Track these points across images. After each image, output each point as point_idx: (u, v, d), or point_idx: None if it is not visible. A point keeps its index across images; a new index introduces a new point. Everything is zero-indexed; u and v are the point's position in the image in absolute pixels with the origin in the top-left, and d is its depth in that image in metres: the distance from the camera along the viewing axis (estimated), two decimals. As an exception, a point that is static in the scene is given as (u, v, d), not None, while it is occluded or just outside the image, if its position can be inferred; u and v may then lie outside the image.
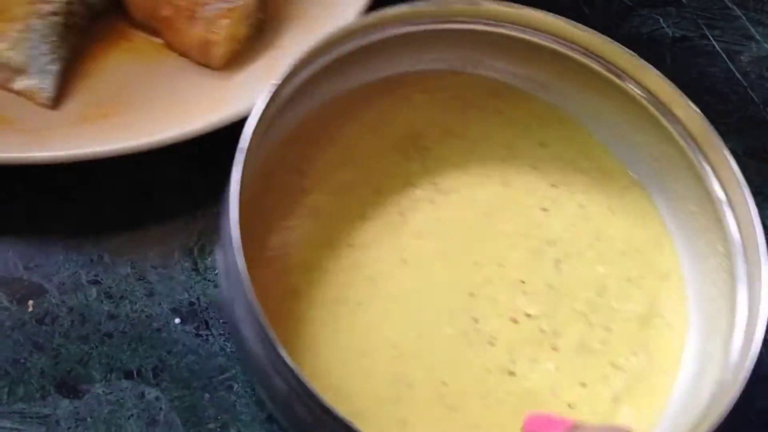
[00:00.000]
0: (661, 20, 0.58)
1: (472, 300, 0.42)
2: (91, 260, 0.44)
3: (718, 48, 0.58)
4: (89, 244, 0.44)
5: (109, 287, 0.43)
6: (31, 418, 0.39)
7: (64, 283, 0.43)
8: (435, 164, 0.45)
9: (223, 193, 0.37)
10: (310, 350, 0.39)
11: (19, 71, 0.46)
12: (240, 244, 0.35)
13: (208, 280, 0.44)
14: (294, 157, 0.44)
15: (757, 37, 0.59)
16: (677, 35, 0.58)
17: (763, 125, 0.55)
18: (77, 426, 0.39)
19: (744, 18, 0.59)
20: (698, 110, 0.43)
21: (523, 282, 0.42)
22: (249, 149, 0.38)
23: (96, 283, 0.43)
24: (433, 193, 0.44)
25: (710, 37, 0.58)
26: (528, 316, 0.42)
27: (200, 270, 0.44)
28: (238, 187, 0.37)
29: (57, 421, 0.39)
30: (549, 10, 0.45)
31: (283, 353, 0.34)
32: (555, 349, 0.41)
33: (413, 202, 0.44)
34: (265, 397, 0.38)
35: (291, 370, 0.34)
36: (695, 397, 0.39)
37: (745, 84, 0.56)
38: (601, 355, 0.41)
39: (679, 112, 0.43)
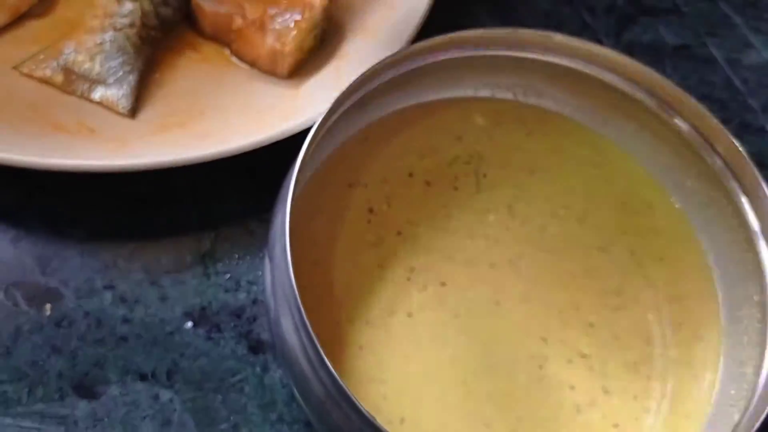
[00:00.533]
0: (661, 28, 0.59)
1: (544, 345, 0.42)
2: (106, 266, 0.45)
3: (717, 56, 0.59)
4: (104, 251, 0.46)
5: (123, 292, 0.45)
6: (50, 418, 0.41)
7: (80, 288, 0.44)
8: (497, 188, 0.46)
9: (275, 204, 0.39)
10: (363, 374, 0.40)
11: (97, 82, 0.48)
12: (290, 258, 0.36)
13: (219, 285, 0.45)
14: (348, 171, 0.44)
15: (756, 45, 0.60)
16: (677, 43, 0.59)
17: (762, 132, 0.56)
18: (95, 426, 0.41)
19: (743, 26, 0.60)
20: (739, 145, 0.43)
21: (592, 325, 0.43)
22: (304, 160, 0.39)
23: (111, 288, 0.45)
24: (508, 219, 0.45)
25: (710, 45, 0.59)
26: (583, 356, 0.43)
27: (211, 275, 0.46)
28: (291, 197, 0.37)
29: (75, 422, 0.41)
30: (550, 20, 0.46)
31: (343, 385, 0.35)
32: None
33: (486, 227, 0.45)
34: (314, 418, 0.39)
35: (349, 400, 0.35)
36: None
37: (744, 91, 0.58)
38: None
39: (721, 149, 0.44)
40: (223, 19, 0.50)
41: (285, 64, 0.50)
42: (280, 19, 0.49)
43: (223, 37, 0.51)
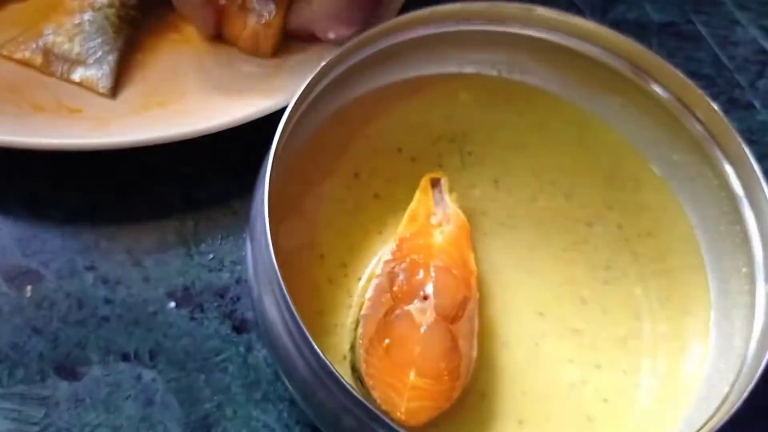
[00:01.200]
0: (647, 6, 0.59)
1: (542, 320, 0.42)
2: (87, 246, 0.45)
3: (704, 33, 0.59)
4: (85, 231, 0.45)
5: (105, 273, 0.44)
6: (31, 399, 0.40)
7: (61, 269, 0.44)
8: (482, 165, 0.46)
9: (255, 184, 0.39)
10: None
11: (77, 62, 0.47)
12: (269, 237, 0.36)
13: (203, 265, 0.45)
14: (332, 147, 0.44)
15: (743, 22, 0.59)
16: (664, 21, 0.59)
17: (750, 108, 0.56)
18: (76, 407, 0.40)
19: (729, 3, 0.60)
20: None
21: (585, 301, 0.43)
22: (281, 139, 0.39)
23: (92, 269, 0.44)
24: (494, 192, 0.45)
25: (696, 22, 0.59)
26: (576, 331, 0.42)
27: (194, 255, 0.45)
28: (269, 175, 0.37)
29: (56, 403, 0.40)
30: (536, 1, 0.45)
31: (329, 363, 0.34)
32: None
33: (472, 200, 0.45)
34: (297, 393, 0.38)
35: (334, 378, 0.34)
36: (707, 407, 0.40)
37: (731, 68, 0.57)
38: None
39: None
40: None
41: (267, 45, 0.49)
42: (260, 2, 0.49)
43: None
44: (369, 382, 0.37)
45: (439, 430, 0.39)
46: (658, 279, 0.44)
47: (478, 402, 0.40)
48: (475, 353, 0.39)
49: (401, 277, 0.39)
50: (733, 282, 0.42)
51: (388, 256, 0.40)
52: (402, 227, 0.41)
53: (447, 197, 0.43)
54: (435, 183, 0.43)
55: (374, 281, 0.39)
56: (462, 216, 0.42)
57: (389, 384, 0.37)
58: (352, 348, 0.39)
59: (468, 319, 0.39)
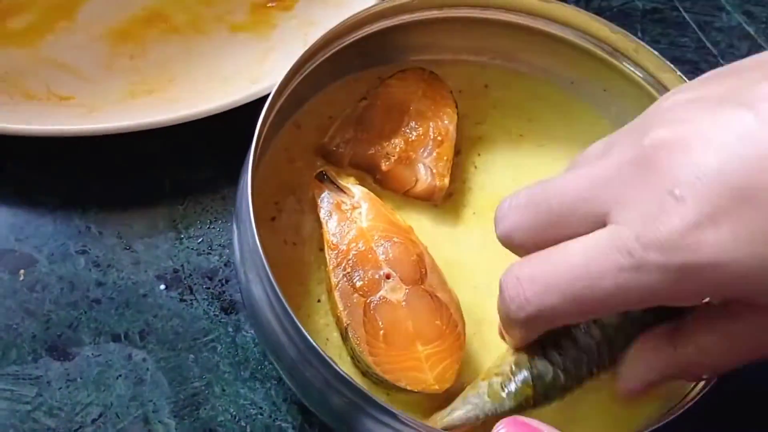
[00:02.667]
0: (632, -8, 0.60)
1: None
2: (79, 231, 0.46)
3: (688, 19, 0.59)
4: (77, 216, 0.46)
5: (96, 256, 0.45)
6: (23, 379, 0.41)
7: (53, 254, 0.45)
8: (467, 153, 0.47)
9: (241, 171, 0.39)
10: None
11: None
12: (254, 221, 0.37)
13: (192, 249, 0.46)
14: (319, 130, 0.45)
15: (728, 8, 0.60)
16: (648, 7, 0.59)
17: (733, 92, 0.56)
18: (68, 386, 0.41)
19: (714, -11, 0.61)
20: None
21: None
22: (264, 123, 0.40)
23: (84, 252, 0.45)
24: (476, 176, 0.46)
25: (681, 8, 0.60)
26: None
27: (183, 239, 0.46)
28: (253, 159, 0.39)
29: (48, 382, 0.41)
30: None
31: (316, 346, 0.35)
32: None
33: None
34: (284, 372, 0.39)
35: (321, 359, 0.35)
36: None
37: (716, 53, 0.58)
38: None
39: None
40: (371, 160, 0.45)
41: (441, 194, 0.45)
42: (424, 152, 0.45)
43: (367, 171, 0.45)
44: (391, 378, 0.38)
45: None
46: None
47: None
48: (455, 294, 0.40)
49: (356, 273, 0.40)
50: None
51: (334, 263, 0.40)
52: (326, 234, 0.41)
53: (341, 182, 0.43)
54: (322, 178, 0.43)
55: (336, 293, 0.39)
56: (365, 189, 0.43)
57: (408, 368, 0.38)
58: (353, 357, 0.40)
59: (432, 270, 0.40)
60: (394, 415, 0.34)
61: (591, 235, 0.31)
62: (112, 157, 0.48)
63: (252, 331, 0.44)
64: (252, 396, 0.42)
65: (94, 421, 0.40)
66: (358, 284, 0.40)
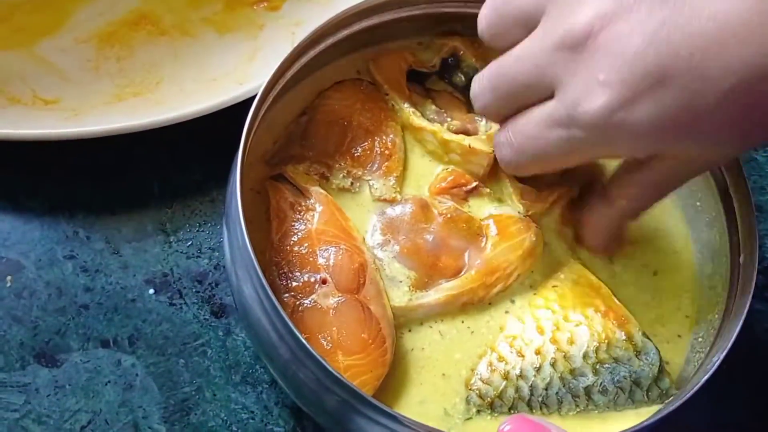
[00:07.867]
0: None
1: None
2: (67, 236, 0.45)
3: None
4: (64, 221, 0.46)
5: (84, 261, 0.45)
6: (11, 387, 0.41)
7: (40, 259, 0.44)
8: None
9: (230, 172, 0.39)
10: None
11: None
12: (244, 223, 0.37)
13: (181, 252, 0.45)
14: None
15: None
16: None
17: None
18: (56, 393, 0.41)
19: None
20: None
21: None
22: (252, 127, 0.39)
23: (72, 258, 0.45)
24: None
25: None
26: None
27: (173, 243, 0.46)
28: (241, 164, 0.38)
29: (36, 389, 0.41)
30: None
31: (310, 348, 0.35)
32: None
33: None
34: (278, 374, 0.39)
35: (315, 361, 0.35)
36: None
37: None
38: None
39: None
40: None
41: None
42: (372, 166, 0.44)
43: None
44: None
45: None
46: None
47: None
48: (389, 311, 0.40)
49: (294, 273, 0.39)
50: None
51: (272, 262, 0.40)
52: (273, 233, 0.41)
53: (300, 183, 0.42)
54: (279, 178, 0.42)
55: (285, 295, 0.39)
56: (323, 192, 0.42)
57: None
58: None
59: (371, 282, 0.40)
60: (387, 414, 0.34)
61: (542, 107, 0.38)
62: (98, 160, 0.47)
63: (243, 335, 0.43)
64: (243, 400, 0.42)
65: (83, 428, 0.40)
66: (293, 285, 0.39)
